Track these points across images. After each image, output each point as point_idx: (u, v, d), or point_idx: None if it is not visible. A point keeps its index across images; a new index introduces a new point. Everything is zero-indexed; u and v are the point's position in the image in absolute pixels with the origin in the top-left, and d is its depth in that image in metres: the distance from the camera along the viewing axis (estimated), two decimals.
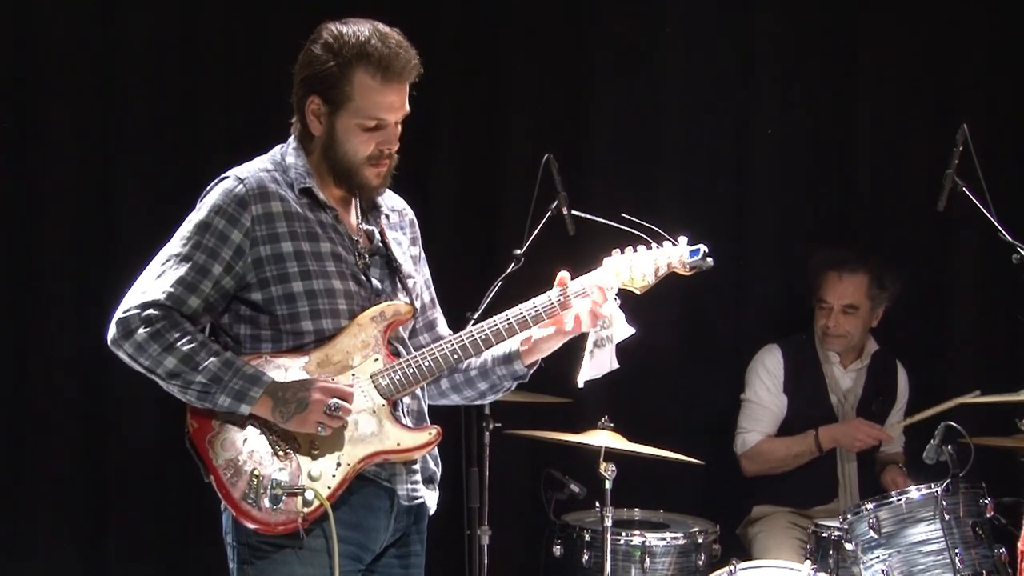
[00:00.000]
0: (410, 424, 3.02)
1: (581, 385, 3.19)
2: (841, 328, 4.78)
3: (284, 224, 2.94)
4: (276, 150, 3.07)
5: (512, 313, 3.03)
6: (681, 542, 4.28)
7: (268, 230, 2.93)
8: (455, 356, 3.00)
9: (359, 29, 2.96)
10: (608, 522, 4.06)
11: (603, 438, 4.11)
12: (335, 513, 2.89)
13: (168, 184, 4.70)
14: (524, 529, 4.81)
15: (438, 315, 3.23)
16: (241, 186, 2.94)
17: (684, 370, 5.15)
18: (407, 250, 3.17)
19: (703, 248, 3.10)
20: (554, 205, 4.17)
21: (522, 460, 4.82)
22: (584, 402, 4.68)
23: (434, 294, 3.23)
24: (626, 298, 5.07)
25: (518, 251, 4.03)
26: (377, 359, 2.97)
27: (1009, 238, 3.94)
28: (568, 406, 4.61)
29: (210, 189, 2.98)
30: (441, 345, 3.01)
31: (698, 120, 5.16)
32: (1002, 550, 3.90)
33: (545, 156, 4.16)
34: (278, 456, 2.91)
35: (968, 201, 4.01)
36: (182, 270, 2.90)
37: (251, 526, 2.89)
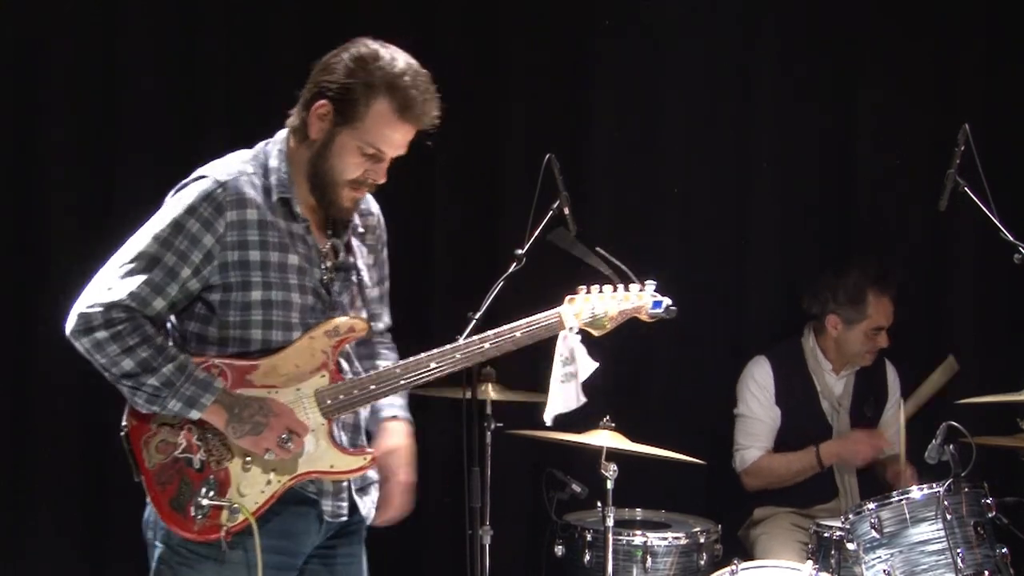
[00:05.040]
0: (345, 439, 3.04)
1: (549, 422, 3.22)
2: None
3: (256, 232, 2.92)
4: (260, 147, 3.04)
5: (449, 348, 3.04)
6: (683, 542, 4.28)
7: (239, 236, 2.91)
8: (401, 383, 3.02)
9: (396, 59, 2.95)
10: (610, 522, 4.06)
11: (605, 438, 4.10)
12: (262, 524, 2.91)
13: (169, 180, 4.69)
14: (526, 529, 4.81)
15: (384, 311, 3.25)
16: (220, 190, 2.91)
17: (686, 370, 5.15)
18: (367, 258, 3.16)
19: (667, 302, 3.14)
20: (555, 205, 4.17)
21: (524, 460, 4.83)
22: (586, 402, 4.69)
23: (386, 291, 3.23)
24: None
25: (519, 251, 4.02)
26: (324, 376, 2.98)
27: (1011, 238, 3.94)
28: None
29: (185, 185, 2.96)
30: (392, 370, 3.02)
31: (699, 121, 5.17)
32: (1004, 550, 3.90)
33: (547, 156, 4.16)
34: (211, 465, 2.92)
35: (969, 201, 4.01)
36: (150, 271, 2.88)
37: (175, 531, 2.91)
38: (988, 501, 3.93)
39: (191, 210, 2.90)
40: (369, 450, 3.07)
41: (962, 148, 3.99)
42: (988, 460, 3.98)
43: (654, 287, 3.16)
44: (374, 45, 2.96)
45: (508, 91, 5.10)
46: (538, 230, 4.08)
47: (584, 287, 3.16)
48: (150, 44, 4.80)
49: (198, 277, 2.90)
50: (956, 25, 5.13)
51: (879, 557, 3.90)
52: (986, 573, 3.86)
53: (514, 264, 3.99)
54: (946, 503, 3.86)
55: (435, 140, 4.97)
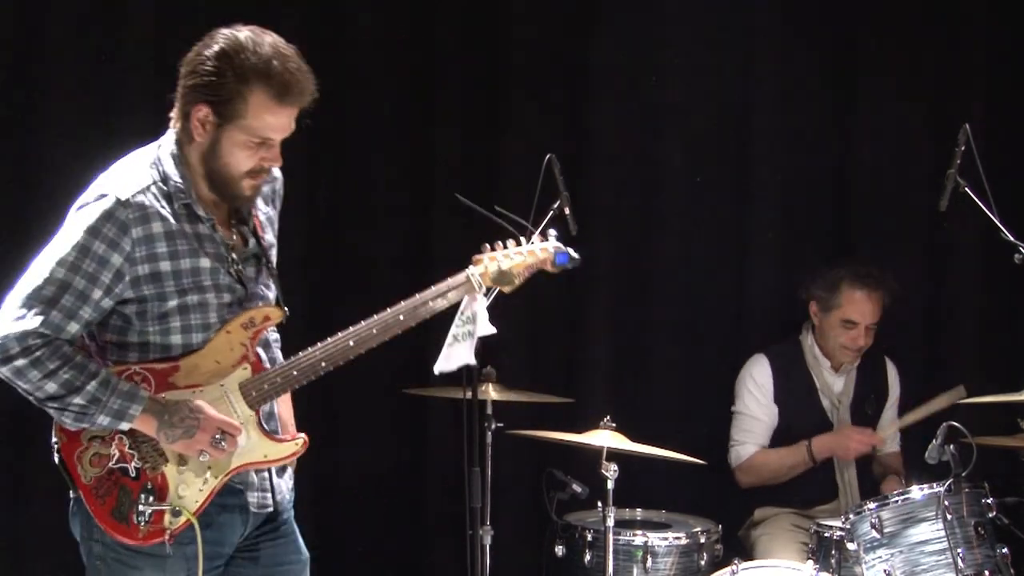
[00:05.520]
0: (273, 425, 3.05)
1: (437, 373, 3.25)
2: (865, 345, 4.78)
3: (164, 244, 2.89)
4: (153, 152, 2.99)
5: (365, 324, 3.03)
6: (683, 542, 4.28)
7: (148, 251, 2.88)
8: (322, 366, 3.01)
9: (260, 44, 2.89)
10: (610, 522, 4.06)
11: (605, 438, 4.10)
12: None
13: None
14: (526, 529, 4.80)
15: None
16: (122, 209, 2.86)
17: (686, 370, 5.14)
18: (275, 227, 3.15)
19: (571, 252, 3.21)
20: (556, 205, 4.18)
21: (524, 460, 4.82)
22: (586, 402, 4.69)
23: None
24: (628, 289, 5.07)
25: None
26: (246, 368, 2.99)
27: (1011, 238, 3.95)
28: (570, 406, 4.62)
29: (85, 205, 2.90)
30: (312, 353, 3.01)
31: (699, 120, 5.17)
32: (1004, 550, 3.90)
33: (547, 156, 4.17)
34: (146, 471, 2.92)
35: (969, 201, 4.01)
36: (60, 297, 2.84)
37: (120, 539, 2.91)
38: (988, 501, 3.93)
39: (94, 232, 2.86)
40: (300, 435, 3.08)
41: (962, 148, 4.00)
42: (988, 460, 3.97)
43: (556, 237, 3.21)
44: (234, 34, 2.90)
45: (508, 91, 5.09)
46: (538, 230, 4.08)
47: (488, 245, 3.19)
48: (151, 43, 4.78)
49: (111, 295, 2.88)
50: (956, 25, 5.13)
51: (879, 557, 3.90)
52: (986, 573, 3.85)
53: None
54: (946, 503, 3.85)
55: (436, 139, 5.03)
